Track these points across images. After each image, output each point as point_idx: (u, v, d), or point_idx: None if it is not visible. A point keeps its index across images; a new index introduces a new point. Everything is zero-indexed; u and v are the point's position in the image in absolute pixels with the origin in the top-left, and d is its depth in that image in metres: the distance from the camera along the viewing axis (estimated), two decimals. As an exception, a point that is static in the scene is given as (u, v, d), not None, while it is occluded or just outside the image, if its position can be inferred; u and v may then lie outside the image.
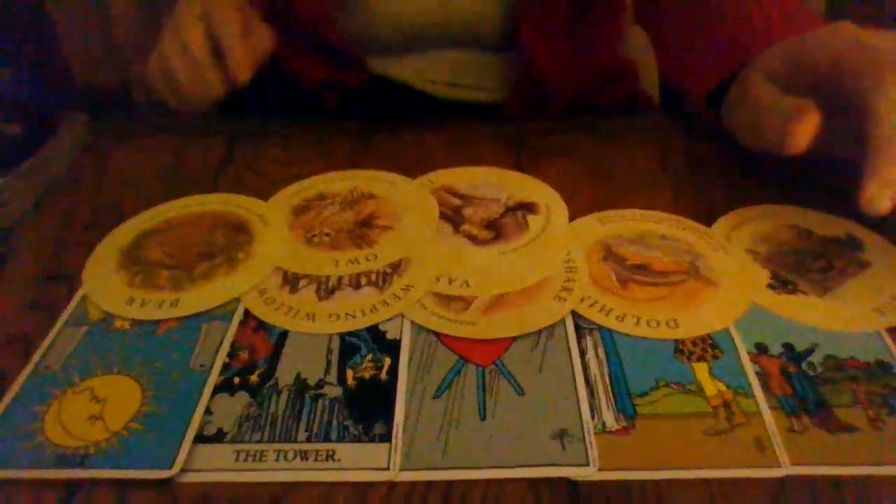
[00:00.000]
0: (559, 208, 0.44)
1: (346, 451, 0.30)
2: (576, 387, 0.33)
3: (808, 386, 0.33)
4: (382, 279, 0.39)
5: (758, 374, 0.34)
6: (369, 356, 0.35)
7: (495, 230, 0.42)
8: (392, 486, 0.29)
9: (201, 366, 0.34)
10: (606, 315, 0.37)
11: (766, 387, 0.33)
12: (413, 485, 0.29)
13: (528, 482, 0.29)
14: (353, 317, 0.37)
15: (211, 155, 0.51)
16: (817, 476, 0.29)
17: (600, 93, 0.65)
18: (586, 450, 0.30)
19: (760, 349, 0.35)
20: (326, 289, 0.39)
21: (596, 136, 0.52)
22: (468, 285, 0.38)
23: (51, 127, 0.50)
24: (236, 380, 0.34)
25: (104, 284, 0.39)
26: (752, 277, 0.39)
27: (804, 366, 0.34)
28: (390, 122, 0.54)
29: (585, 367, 0.34)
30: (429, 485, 0.29)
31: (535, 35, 0.60)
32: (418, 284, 0.39)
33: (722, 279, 0.39)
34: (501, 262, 0.40)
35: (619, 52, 0.70)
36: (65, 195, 0.47)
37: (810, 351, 0.35)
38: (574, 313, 0.37)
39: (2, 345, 0.36)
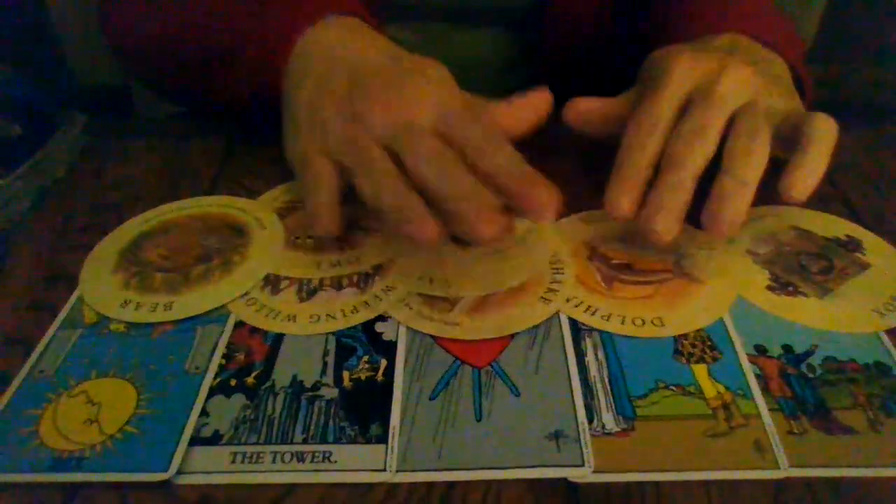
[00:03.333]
0: None
1: (342, 452, 0.30)
2: (571, 388, 0.33)
3: (808, 388, 0.33)
4: (364, 280, 0.39)
5: (757, 375, 0.34)
6: (365, 358, 0.35)
7: None
8: (392, 487, 0.29)
9: (196, 368, 0.34)
10: (592, 315, 0.37)
11: (765, 388, 0.33)
12: (413, 486, 0.29)
13: (528, 483, 0.29)
14: (334, 318, 0.37)
15: (211, 155, 0.51)
16: (816, 478, 0.29)
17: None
18: (581, 451, 0.30)
19: (760, 350, 0.35)
20: (308, 290, 0.39)
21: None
22: (449, 285, 0.38)
23: (50, 127, 0.50)
24: (233, 382, 0.34)
25: (100, 286, 0.39)
26: (736, 272, 0.39)
27: (803, 367, 0.34)
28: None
29: (585, 369, 0.34)
30: (430, 486, 0.29)
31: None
32: (400, 285, 0.38)
33: (706, 276, 0.39)
34: (483, 263, 0.40)
35: None
36: (64, 196, 0.47)
37: (809, 353, 0.35)
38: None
39: (1, 346, 0.36)
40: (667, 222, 0.36)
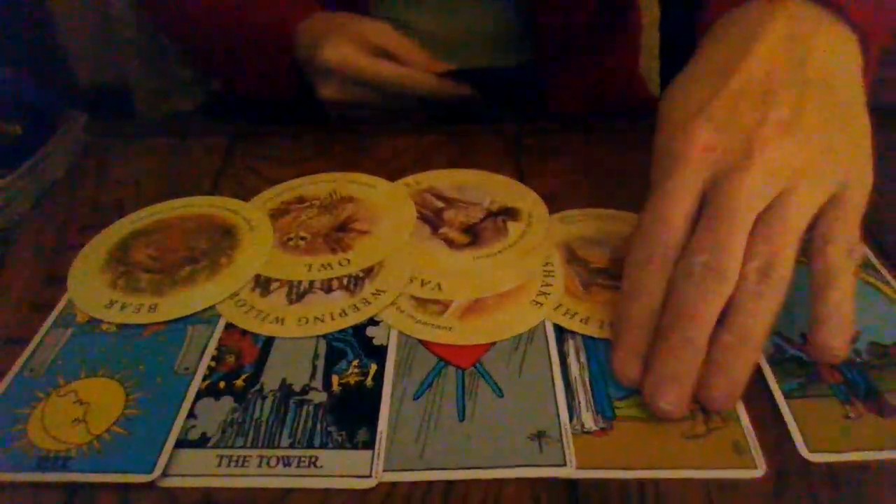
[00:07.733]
0: (541, 215, 0.43)
1: (328, 457, 0.30)
2: (554, 389, 0.33)
3: (857, 373, 0.33)
4: (354, 283, 0.39)
5: (805, 362, 0.34)
6: (355, 362, 0.34)
7: (473, 235, 0.42)
8: (390, 488, 0.29)
9: (186, 369, 0.34)
10: (571, 318, 0.36)
11: (817, 376, 0.33)
12: (414, 485, 0.29)
13: (528, 482, 0.29)
14: (322, 321, 0.36)
15: (211, 155, 0.51)
16: (817, 474, 0.29)
17: (611, 105, 0.65)
18: (563, 451, 0.30)
19: (805, 340, 0.35)
20: (297, 292, 0.38)
21: (596, 137, 0.52)
22: (440, 288, 0.38)
23: (51, 127, 0.50)
24: (221, 384, 0.33)
25: (88, 285, 0.39)
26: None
27: (851, 353, 0.34)
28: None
29: (566, 370, 0.34)
30: (429, 485, 0.29)
31: (551, 66, 0.59)
32: (389, 288, 0.38)
33: None
34: (475, 266, 0.40)
35: (636, 69, 0.69)
36: (64, 196, 0.47)
37: (854, 339, 0.34)
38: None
39: (0, 345, 0.36)
40: (674, 395, 0.30)
